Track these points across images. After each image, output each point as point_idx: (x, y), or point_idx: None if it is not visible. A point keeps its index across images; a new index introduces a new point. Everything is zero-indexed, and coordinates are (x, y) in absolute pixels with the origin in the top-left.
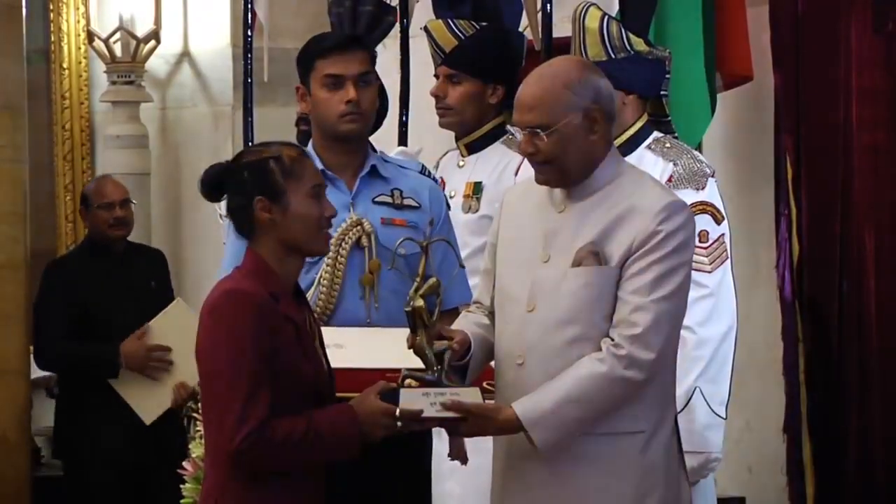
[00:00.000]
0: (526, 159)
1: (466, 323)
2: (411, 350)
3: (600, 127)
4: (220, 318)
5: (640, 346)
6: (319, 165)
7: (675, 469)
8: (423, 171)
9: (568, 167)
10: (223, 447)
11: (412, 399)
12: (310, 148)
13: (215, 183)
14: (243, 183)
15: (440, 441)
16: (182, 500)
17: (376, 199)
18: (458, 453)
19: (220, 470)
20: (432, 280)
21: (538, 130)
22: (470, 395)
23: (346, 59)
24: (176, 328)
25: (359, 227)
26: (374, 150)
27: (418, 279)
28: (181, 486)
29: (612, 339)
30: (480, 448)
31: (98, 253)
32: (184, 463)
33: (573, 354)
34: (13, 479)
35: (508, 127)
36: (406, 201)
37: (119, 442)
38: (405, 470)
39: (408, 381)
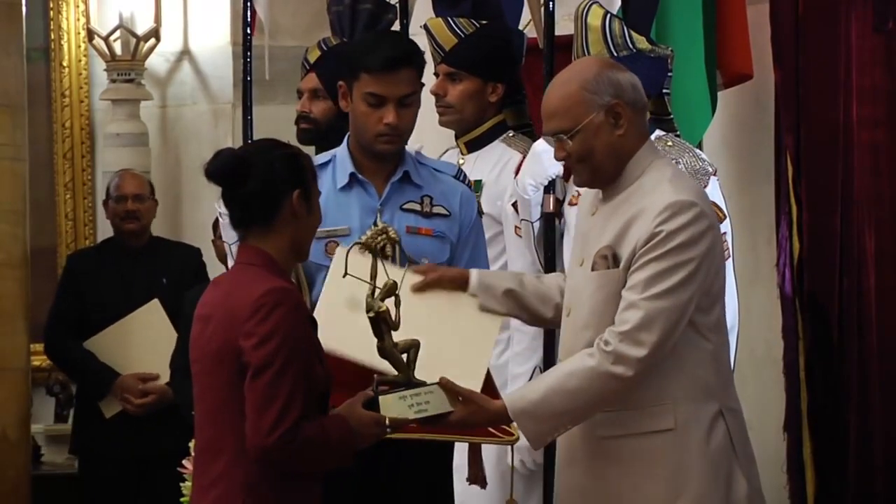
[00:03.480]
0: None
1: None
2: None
3: (625, 120)
4: (267, 316)
5: (628, 343)
6: (351, 167)
7: (722, 466)
8: (458, 174)
9: (598, 165)
10: (255, 444)
11: (392, 406)
12: (343, 145)
13: (232, 168)
14: (277, 172)
15: None
16: (182, 499)
17: (404, 206)
18: (475, 478)
19: (246, 469)
20: (389, 282)
21: (563, 135)
22: (436, 395)
23: (392, 80)
24: (146, 329)
25: (384, 236)
26: (412, 154)
27: (372, 283)
28: (181, 484)
29: (604, 336)
30: None
31: (115, 247)
32: (184, 461)
33: None
34: (13, 477)
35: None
36: (436, 209)
37: (123, 438)
38: (427, 464)
39: (381, 387)
